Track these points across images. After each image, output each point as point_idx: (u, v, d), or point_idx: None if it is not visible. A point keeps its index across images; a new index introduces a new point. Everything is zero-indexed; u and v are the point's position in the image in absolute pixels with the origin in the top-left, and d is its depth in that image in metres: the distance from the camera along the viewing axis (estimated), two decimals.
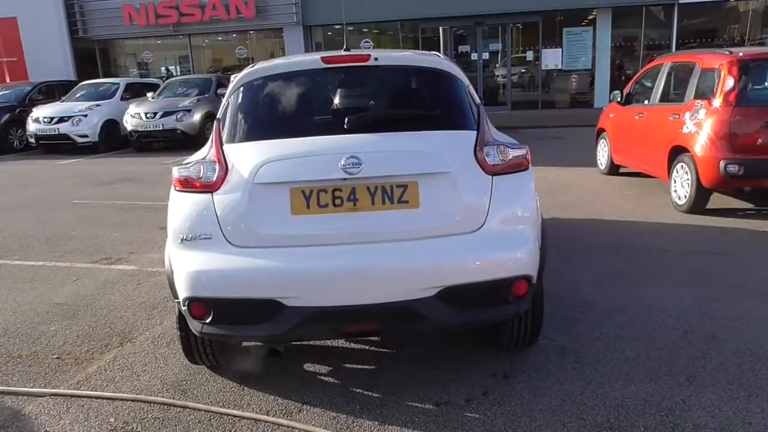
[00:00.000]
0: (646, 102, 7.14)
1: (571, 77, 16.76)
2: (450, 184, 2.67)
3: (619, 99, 7.78)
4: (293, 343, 3.40)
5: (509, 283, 2.67)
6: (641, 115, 7.08)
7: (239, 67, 17.75)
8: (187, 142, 12.83)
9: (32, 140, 13.41)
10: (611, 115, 8.08)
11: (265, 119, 3.00)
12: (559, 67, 16.47)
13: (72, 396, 3.02)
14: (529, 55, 16.88)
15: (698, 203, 5.90)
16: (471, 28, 16.85)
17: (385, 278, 2.59)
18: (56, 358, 3.47)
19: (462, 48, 17.25)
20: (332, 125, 2.83)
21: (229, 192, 2.66)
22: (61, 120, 13.12)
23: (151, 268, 5.04)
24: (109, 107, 13.75)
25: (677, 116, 6.12)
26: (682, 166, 6.05)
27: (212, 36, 18.77)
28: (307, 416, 2.78)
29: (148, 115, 12.90)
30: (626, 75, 16.08)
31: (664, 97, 6.75)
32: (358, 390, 2.99)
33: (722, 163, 5.49)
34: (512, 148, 2.82)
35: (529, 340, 3.16)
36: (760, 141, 5.39)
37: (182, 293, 2.67)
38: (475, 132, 2.84)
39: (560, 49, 16.14)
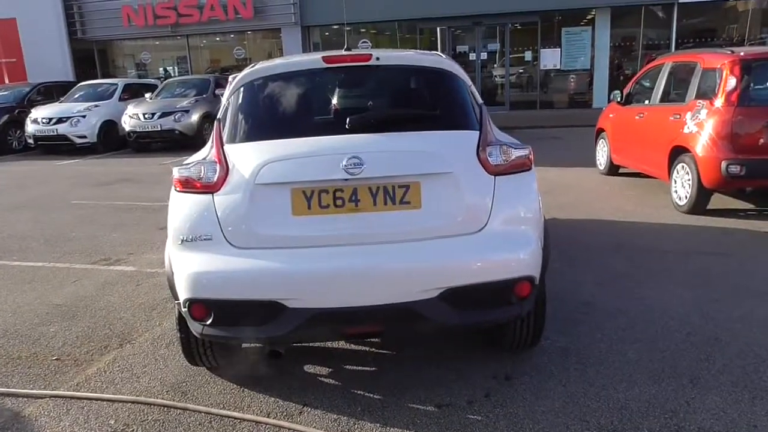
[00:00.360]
0: (646, 102, 7.13)
1: (570, 77, 16.76)
2: (452, 184, 2.65)
3: (619, 99, 7.77)
4: (293, 344, 3.38)
5: (512, 284, 2.65)
6: (641, 115, 7.07)
7: (237, 68, 17.75)
8: (185, 142, 12.82)
9: (31, 141, 13.39)
10: (611, 115, 8.07)
11: (265, 119, 2.98)
12: (558, 67, 16.47)
13: (72, 398, 2.99)
14: (528, 55, 16.87)
15: (699, 204, 5.89)
16: (469, 28, 16.85)
17: (387, 279, 2.57)
18: (56, 359, 3.45)
19: (460, 48, 17.24)
20: (333, 125, 2.82)
21: (229, 192, 2.64)
22: (60, 121, 13.09)
23: (149, 269, 5.02)
24: (107, 108, 13.72)
25: (678, 116, 6.11)
26: (683, 167, 6.04)
27: (210, 36, 18.75)
28: (308, 418, 2.76)
29: (146, 116, 12.88)
30: (625, 75, 16.09)
31: (665, 97, 6.73)
32: (359, 392, 2.97)
33: (724, 164, 5.48)
34: (515, 148, 2.80)
35: (532, 341, 3.14)
36: (761, 141, 5.38)
37: (183, 294, 2.65)
38: (478, 132, 2.83)
39: (559, 49, 16.14)
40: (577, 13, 16.09)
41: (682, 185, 6.09)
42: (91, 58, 19.16)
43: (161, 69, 19.85)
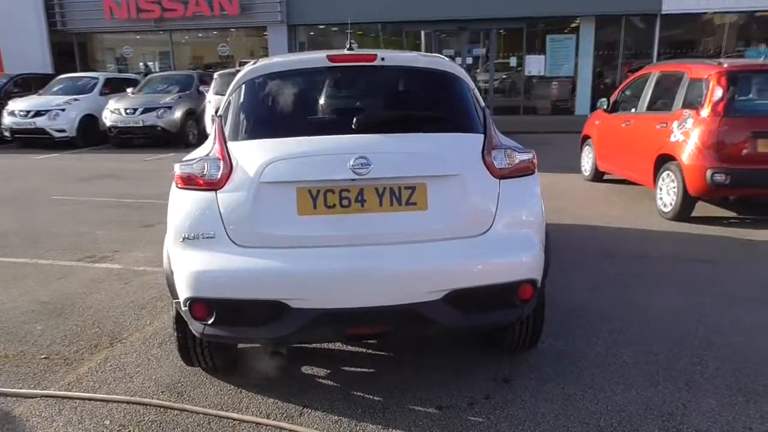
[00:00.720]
0: (633, 110, 7.23)
1: (554, 84, 16.94)
2: (458, 186, 2.66)
3: (605, 106, 7.88)
4: (293, 345, 3.35)
5: (515, 286, 2.66)
6: (628, 123, 7.18)
7: (221, 65, 17.62)
8: (167, 139, 12.68)
9: (7, 134, 13.09)
10: (597, 123, 8.17)
11: (270, 117, 2.95)
12: (542, 74, 16.63)
13: (64, 397, 2.92)
14: (513, 61, 17.02)
15: (684, 211, 5.99)
16: (455, 33, 16.93)
17: (392, 280, 2.56)
18: (44, 358, 3.37)
19: (446, 52, 17.31)
20: (338, 125, 2.80)
21: (233, 190, 2.61)
22: (38, 114, 12.83)
23: (137, 267, 4.93)
24: (87, 102, 13.47)
25: (665, 125, 6.21)
26: (668, 174, 6.14)
27: (194, 32, 18.54)
28: (309, 420, 2.74)
29: (128, 111, 12.69)
30: (605, 83, 16.34)
31: (652, 106, 6.84)
32: (358, 393, 2.95)
33: (709, 172, 5.59)
34: (519, 152, 2.82)
35: (530, 343, 3.16)
36: (746, 151, 5.50)
37: (183, 293, 2.61)
38: (482, 135, 2.84)
39: (544, 56, 16.30)
40: (562, 20, 16.28)
41: (667, 192, 6.19)
42: (70, 51, 18.80)
43: (141, 64, 19.56)
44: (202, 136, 12.80)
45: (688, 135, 5.83)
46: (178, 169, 2.72)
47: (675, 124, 6.04)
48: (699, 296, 4.09)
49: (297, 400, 2.89)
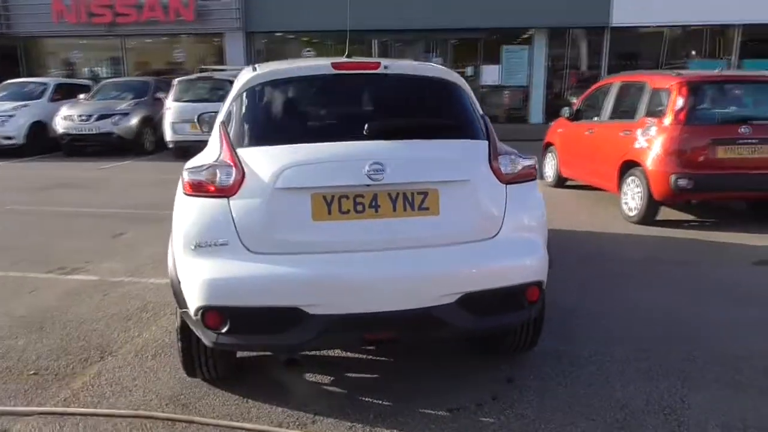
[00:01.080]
0: (596, 119, 7.51)
1: (507, 93, 17.34)
2: (469, 192, 2.72)
3: (567, 115, 8.15)
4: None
5: (524, 288, 2.74)
6: (592, 130, 7.45)
7: (175, 72, 17.22)
8: (123, 146, 12.30)
9: None
10: (560, 130, 8.44)
11: (279, 124, 2.93)
12: (497, 83, 17.02)
13: (64, 414, 2.81)
14: (469, 71, 17.35)
15: (649, 215, 6.26)
16: (411, 42, 17.13)
17: (409, 285, 2.60)
18: (33, 374, 3.22)
19: None
20: (348, 131, 2.80)
21: (247, 197, 2.58)
22: None
23: (113, 279, 4.78)
24: (36, 108, 12.90)
25: (629, 132, 6.48)
26: (633, 180, 6.40)
27: (148, 38, 18.07)
28: (323, 427, 2.73)
29: (82, 118, 12.23)
30: (554, 94, 16.91)
31: (614, 114, 7.12)
32: (367, 399, 2.96)
33: (673, 177, 5.87)
34: (522, 158, 2.91)
35: (530, 344, 3.25)
36: (707, 157, 5.81)
37: (195, 302, 2.57)
38: (487, 142, 2.91)
39: (499, 66, 16.69)
40: (516, 31, 16.72)
41: (632, 197, 6.45)
42: (14, 55, 18.00)
43: (86, 69, 18.90)
44: (160, 144, 12.51)
45: (652, 142, 6.11)
46: (187, 175, 2.67)
47: (639, 131, 6.31)
48: (677, 296, 4.29)
49: (306, 407, 2.87)
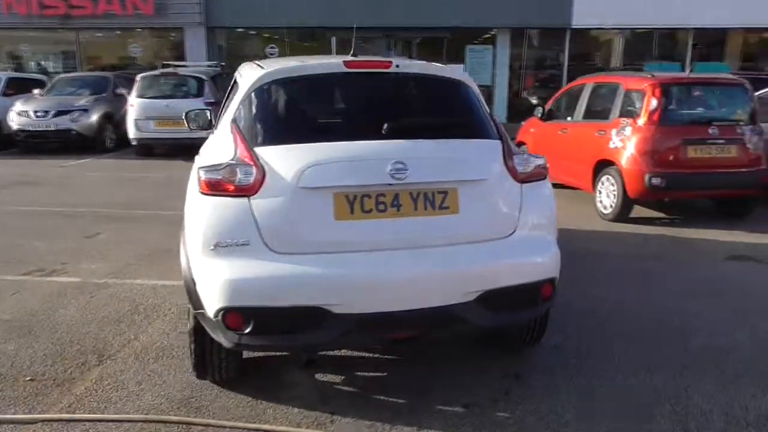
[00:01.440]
0: (569, 118, 7.69)
1: None
2: (487, 191, 2.76)
3: (539, 114, 8.32)
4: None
5: (539, 285, 2.81)
6: (565, 130, 7.63)
7: (132, 66, 16.72)
8: (83, 144, 11.88)
9: None
10: (532, 130, 8.61)
11: (295, 122, 2.90)
12: None
13: (70, 420, 2.71)
14: None
15: (623, 212, 6.47)
16: (373, 39, 17.12)
17: (431, 283, 2.62)
18: (30, 380, 3.09)
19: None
20: (366, 130, 2.79)
21: (269, 196, 2.55)
22: None
23: (98, 280, 4.63)
24: None
25: (603, 132, 6.68)
26: (608, 179, 6.60)
27: (104, 32, 17.47)
28: (342, 426, 2.72)
29: (39, 114, 11.76)
30: (515, 93, 17.25)
31: (588, 115, 7.32)
32: (381, 397, 2.97)
33: (647, 176, 6.09)
34: (534, 158, 2.97)
35: (536, 340, 3.32)
36: (680, 156, 6.05)
37: (215, 304, 2.52)
38: (500, 141, 2.96)
39: (463, 65, 16.87)
40: (480, 31, 16.95)
41: (607, 195, 6.65)
42: None
43: (33, 63, 18.14)
44: (122, 141, 12.14)
45: (626, 142, 6.32)
46: (203, 174, 2.61)
47: (614, 131, 6.51)
48: (659, 291, 4.45)
49: (322, 407, 2.86)
